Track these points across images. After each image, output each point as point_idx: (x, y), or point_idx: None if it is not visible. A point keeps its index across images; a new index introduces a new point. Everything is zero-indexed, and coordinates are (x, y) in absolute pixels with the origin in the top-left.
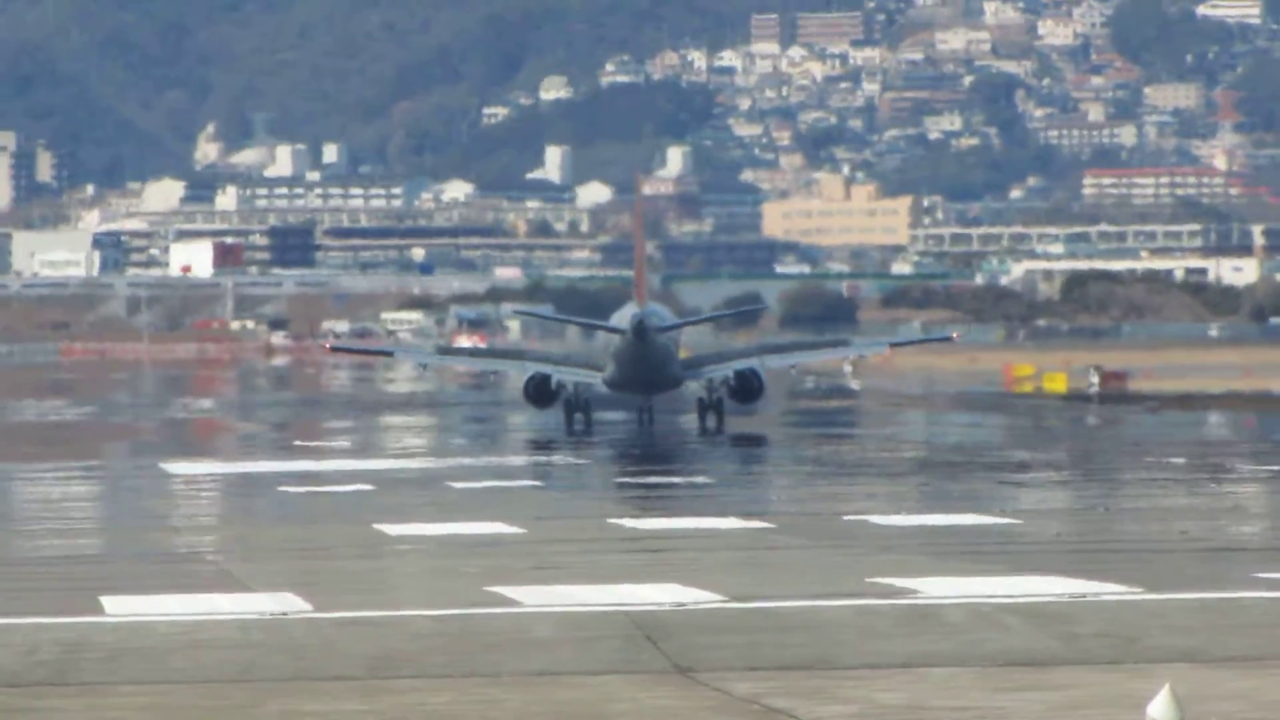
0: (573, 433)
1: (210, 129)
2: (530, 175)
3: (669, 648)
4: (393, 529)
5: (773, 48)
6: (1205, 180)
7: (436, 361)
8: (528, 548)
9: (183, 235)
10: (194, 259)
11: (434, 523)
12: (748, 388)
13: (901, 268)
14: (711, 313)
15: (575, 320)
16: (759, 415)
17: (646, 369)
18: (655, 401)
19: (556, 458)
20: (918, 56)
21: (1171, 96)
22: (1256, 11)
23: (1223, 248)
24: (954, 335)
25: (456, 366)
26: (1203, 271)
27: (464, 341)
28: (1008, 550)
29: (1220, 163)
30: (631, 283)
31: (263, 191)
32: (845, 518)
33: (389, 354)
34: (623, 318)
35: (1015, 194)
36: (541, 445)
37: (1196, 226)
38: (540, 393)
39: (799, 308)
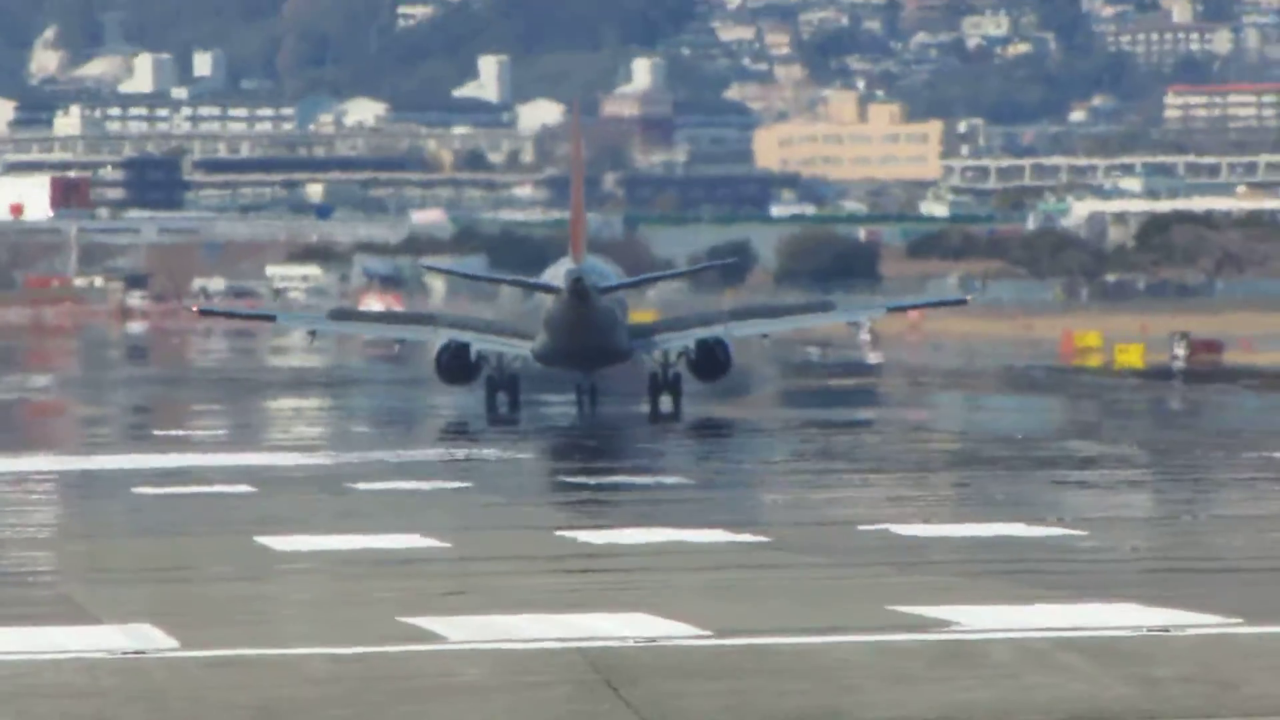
0: (499, 417)
1: (48, 34)
2: (458, 92)
3: (634, 696)
4: (279, 542)
5: None
6: None
7: (329, 328)
8: (452, 567)
9: (13, 168)
10: (27, 197)
11: (331, 535)
12: (711, 361)
13: (933, 208)
14: (680, 268)
15: (497, 278)
16: (750, 396)
17: (586, 337)
18: (598, 378)
19: (485, 450)
20: None
21: None
22: None
23: None
24: (968, 297)
25: (357, 334)
26: None
27: (373, 304)
28: (1068, 570)
29: None
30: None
31: (115, 112)
32: (860, 528)
33: (271, 318)
34: (556, 275)
35: (1077, 116)
36: (464, 434)
37: None
38: (456, 366)
39: (801, 259)
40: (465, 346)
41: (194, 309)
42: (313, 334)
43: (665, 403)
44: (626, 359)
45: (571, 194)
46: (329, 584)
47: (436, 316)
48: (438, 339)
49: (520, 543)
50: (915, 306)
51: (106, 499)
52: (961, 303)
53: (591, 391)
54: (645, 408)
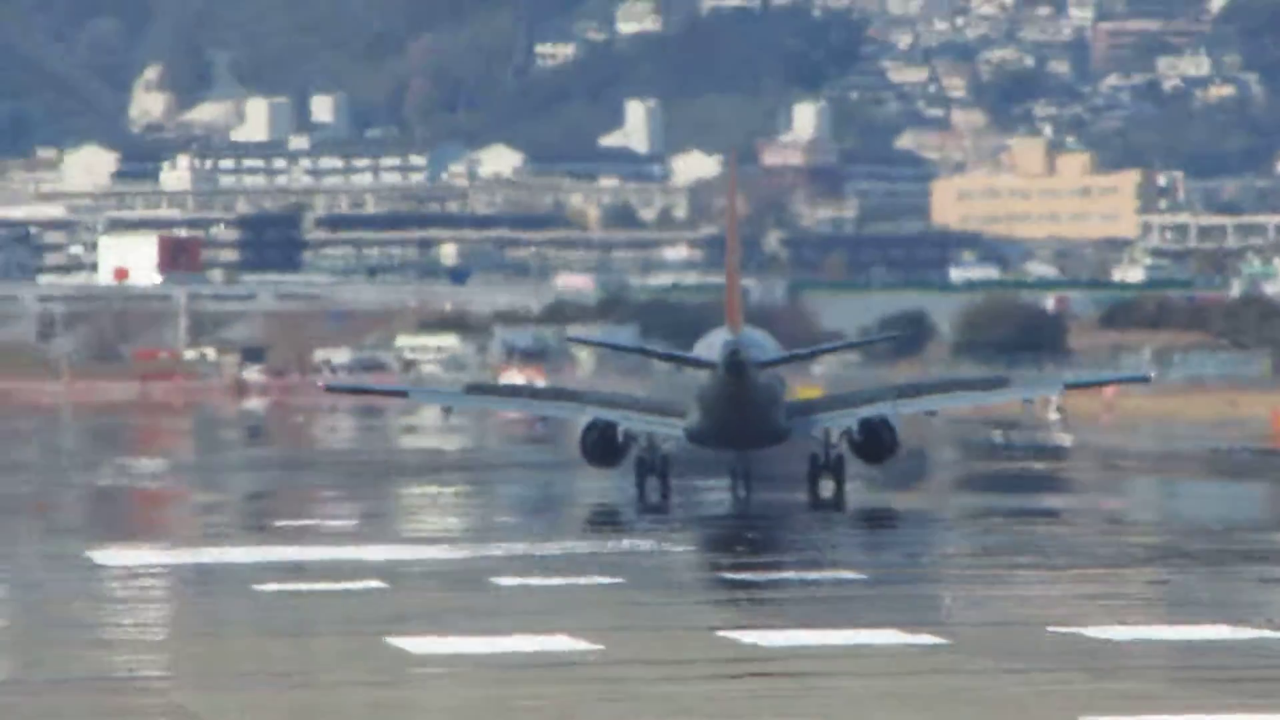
0: (650, 504)
1: (150, 75)
2: (604, 141)
3: None
4: (414, 644)
5: None
6: None
7: (464, 404)
8: (604, 670)
9: (116, 226)
10: (132, 260)
11: (471, 635)
12: (876, 442)
13: (1128, 273)
14: (844, 340)
15: (647, 350)
16: (925, 482)
17: (742, 416)
18: (754, 460)
19: (637, 542)
20: None
21: None
22: None
23: None
24: (1150, 374)
25: (499, 412)
26: None
27: (514, 378)
28: (1278, 677)
29: None
30: (744, 290)
31: (228, 164)
32: (1049, 629)
33: (403, 394)
34: (711, 347)
35: None
36: (614, 522)
37: None
38: (603, 447)
39: (982, 329)
40: (613, 425)
41: (320, 384)
42: (449, 410)
43: (826, 487)
44: (785, 439)
45: (727, 257)
46: (469, 690)
47: (582, 394)
48: (583, 418)
49: (675, 644)
50: (1096, 384)
51: (224, 596)
52: (1145, 380)
53: (746, 475)
54: (804, 494)
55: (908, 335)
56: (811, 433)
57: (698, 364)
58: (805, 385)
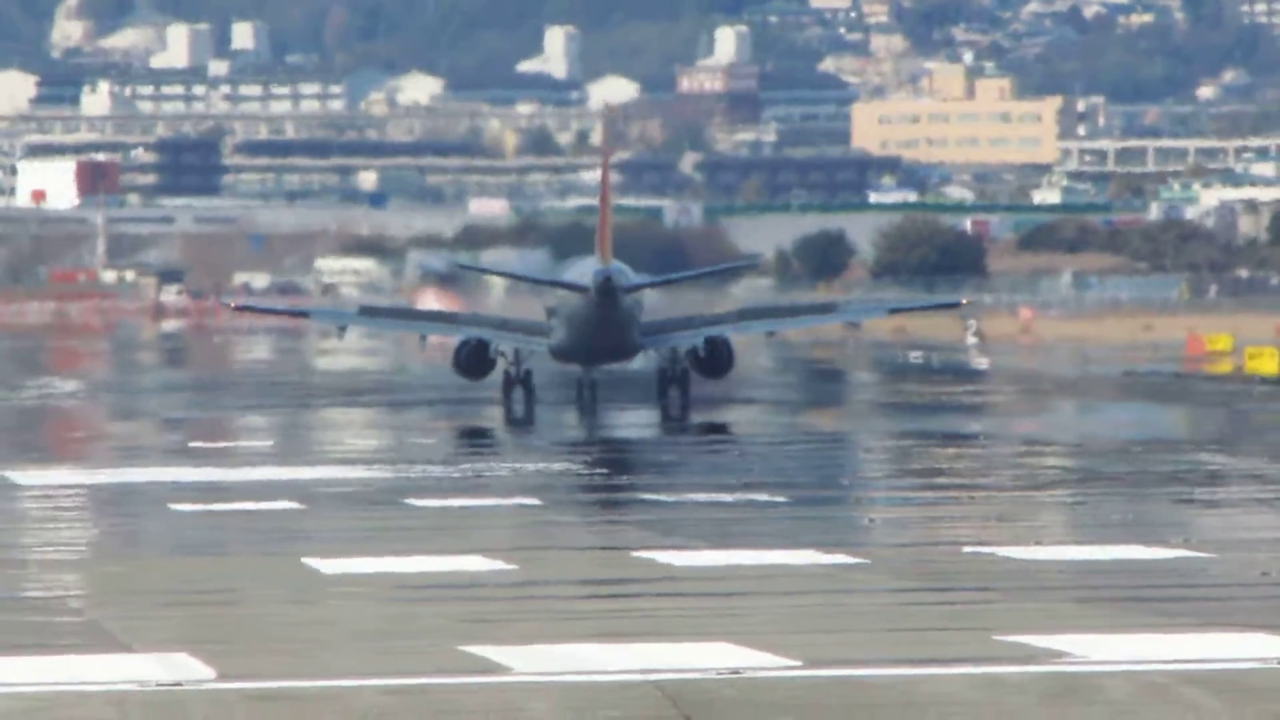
0: (514, 416)
1: (71, 1)
2: (523, 67)
3: None
4: (328, 565)
5: None
6: None
7: (357, 323)
8: (518, 591)
9: (35, 151)
10: (51, 183)
11: (384, 556)
12: (717, 359)
13: (1047, 196)
14: (701, 269)
15: (526, 277)
16: (839, 405)
17: (607, 335)
18: (599, 373)
19: (550, 463)
20: None
21: None
22: None
23: None
24: (963, 300)
25: (382, 331)
26: None
27: (429, 302)
28: (1191, 596)
29: None
30: (659, 213)
31: (147, 90)
32: (964, 550)
33: (304, 315)
34: (583, 274)
35: (1206, 93)
36: (525, 445)
37: None
38: (474, 362)
39: (902, 251)
40: (485, 343)
41: (231, 305)
42: (342, 329)
43: (674, 396)
44: (635, 355)
45: (600, 191)
46: (382, 608)
47: (458, 315)
48: (458, 336)
49: (590, 564)
50: (915, 309)
51: (141, 516)
52: (956, 305)
53: (593, 386)
54: (653, 405)
55: (754, 263)
56: (659, 350)
57: (571, 288)
58: (717, 306)
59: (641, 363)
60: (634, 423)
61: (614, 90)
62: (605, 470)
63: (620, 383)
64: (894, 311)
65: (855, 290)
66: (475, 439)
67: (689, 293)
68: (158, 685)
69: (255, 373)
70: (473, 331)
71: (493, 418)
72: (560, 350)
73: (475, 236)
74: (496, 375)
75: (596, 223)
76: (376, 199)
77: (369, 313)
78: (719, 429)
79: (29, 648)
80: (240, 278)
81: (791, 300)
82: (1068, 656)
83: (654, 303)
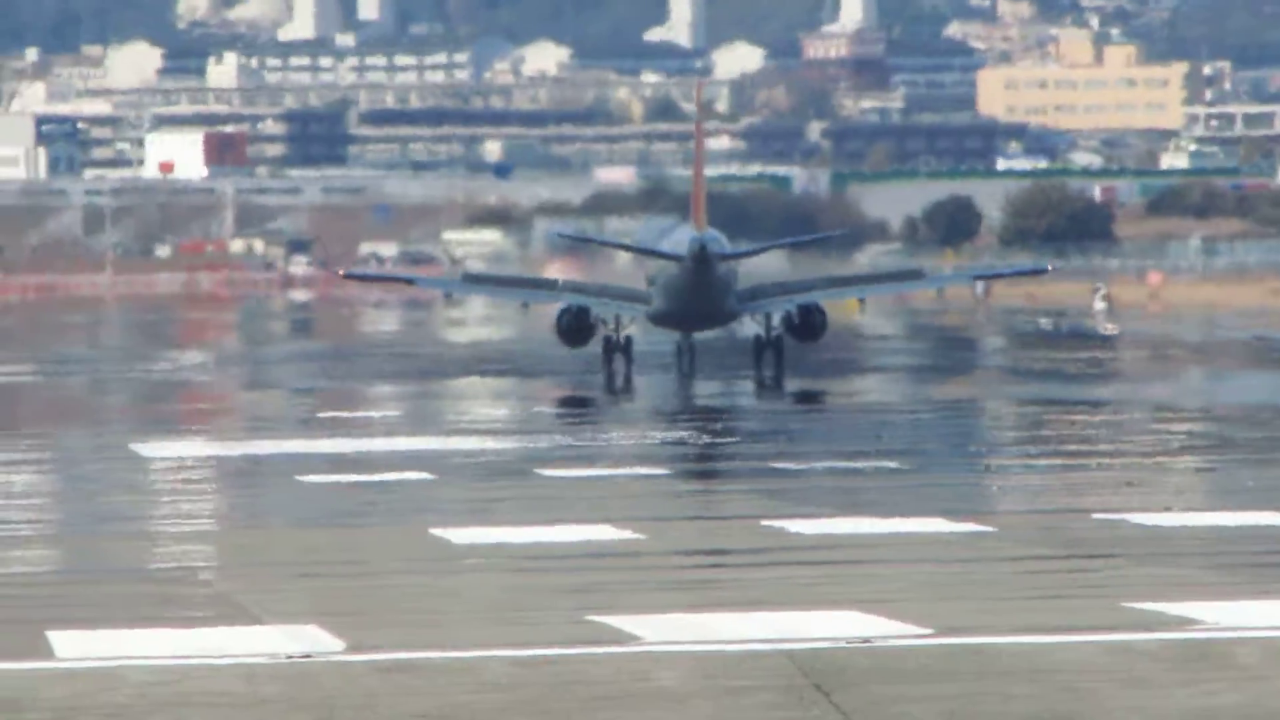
0: (623, 380)
1: None
2: (648, 35)
3: (847, 701)
4: (457, 535)
5: None
6: None
7: (460, 290)
8: (648, 561)
9: (162, 122)
10: (178, 154)
11: (514, 526)
12: (810, 324)
13: (1173, 160)
14: (791, 238)
15: (624, 245)
16: (968, 372)
17: (703, 302)
18: (695, 338)
19: (679, 432)
20: None
21: None
22: None
23: None
24: (1049, 266)
25: (488, 297)
26: None
27: (555, 271)
28: None
29: None
30: (786, 181)
31: (274, 61)
32: (1094, 516)
33: (410, 281)
34: (678, 243)
35: None
36: (654, 414)
37: None
38: (575, 329)
39: (1029, 218)
40: (585, 310)
41: (340, 273)
42: (449, 296)
43: (769, 361)
44: (733, 321)
45: (694, 161)
46: (512, 579)
47: (559, 281)
48: (559, 304)
49: (720, 534)
50: (999, 276)
51: (269, 488)
52: (1044, 271)
53: (691, 351)
54: (750, 370)
55: (844, 235)
56: (754, 316)
57: (667, 257)
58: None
59: (738, 328)
60: (741, 390)
61: (740, 58)
62: (730, 438)
63: (719, 348)
64: (978, 278)
65: (984, 256)
66: (587, 408)
67: (815, 258)
68: (287, 657)
69: (382, 343)
70: (573, 299)
71: (598, 385)
72: (658, 317)
73: (602, 204)
74: (598, 342)
75: (694, 190)
76: (502, 169)
77: (472, 279)
78: (845, 395)
79: (159, 620)
80: (367, 248)
81: (880, 269)
82: (1198, 623)
83: (779, 267)
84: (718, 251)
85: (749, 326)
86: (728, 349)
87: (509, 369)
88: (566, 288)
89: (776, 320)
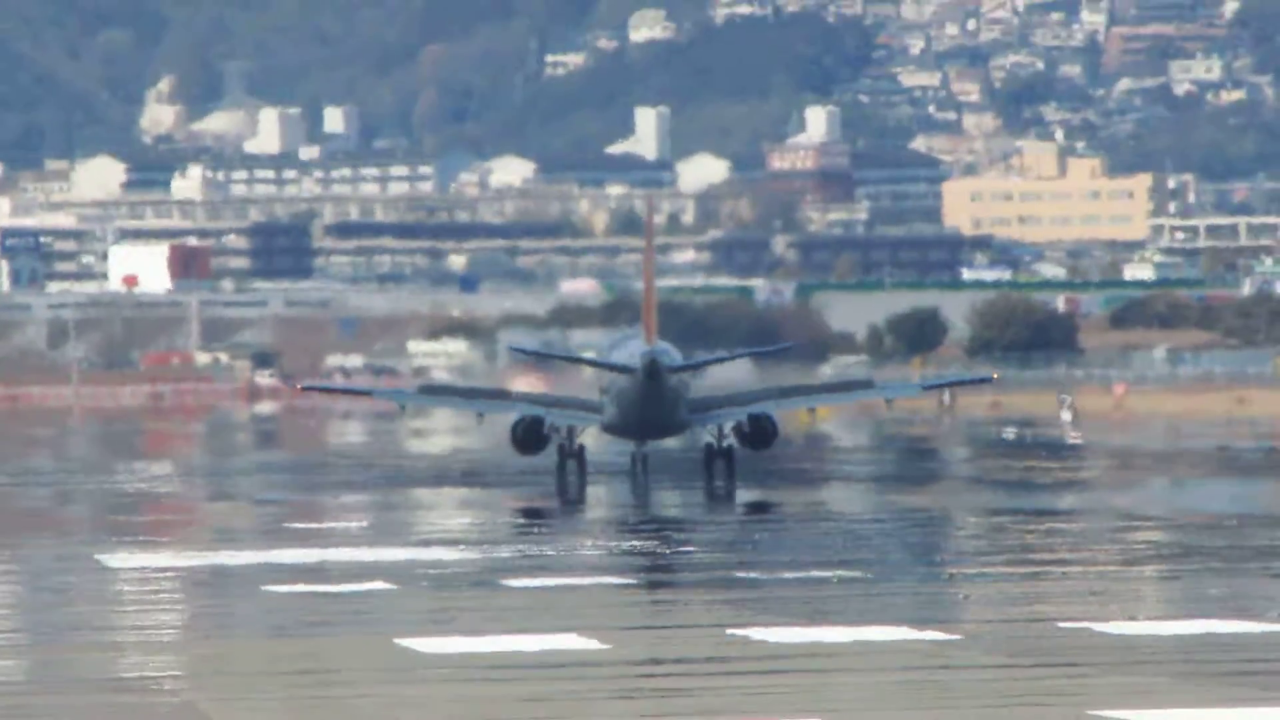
0: (567, 486)
1: (162, 86)
2: (613, 149)
3: None
4: (424, 644)
5: None
6: None
7: (416, 401)
8: (613, 670)
9: (127, 235)
10: (143, 268)
11: (479, 635)
12: (761, 433)
13: (1139, 272)
14: (741, 350)
15: (576, 358)
16: (933, 482)
17: (654, 413)
18: (650, 448)
19: (639, 542)
20: None
21: None
22: None
23: None
24: (994, 375)
25: (445, 409)
26: None
27: (522, 383)
28: None
29: None
30: (751, 292)
31: (240, 175)
32: (1060, 625)
33: (367, 394)
34: (631, 355)
35: None
36: (616, 524)
37: None
38: (530, 438)
39: (995, 328)
40: (539, 419)
41: (299, 387)
42: (403, 407)
43: (720, 469)
44: (684, 431)
45: (643, 276)
46: (477, 688)
47: (513, 393)
48: (514, 414)
49: (685, 642)
50: (948, 385)
51: (235, 598)
52: (988, 380)
53: (644, 460)
54: (700, 480)
55: (788, 348)
56: (706, 426)
57: (619, 369)
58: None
59: (689, 438)
60: (696, 502)
61: (705, 170)
62: (690, 548)
63: (671, 457)
64: (928, 388)
65: (951, 366)
66: (546, 518)
67: (782, 369)
68: None
69: (346, 454)
70: (527, 409)
71: (554, 494)
72: (612, 426)
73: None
74: (553, 451)
75: (643, 305)
76: (467, 281)
77: (428, 391)
78: (813, 505)
79: None
80: (333, 360)
81: (827, 379)
82: None
83: (746, 377)
84: (668, 364)
85: (702, 436)
86: (680, 458)
87: (469, 479)
88: (520, 399)
89: (728, 429)
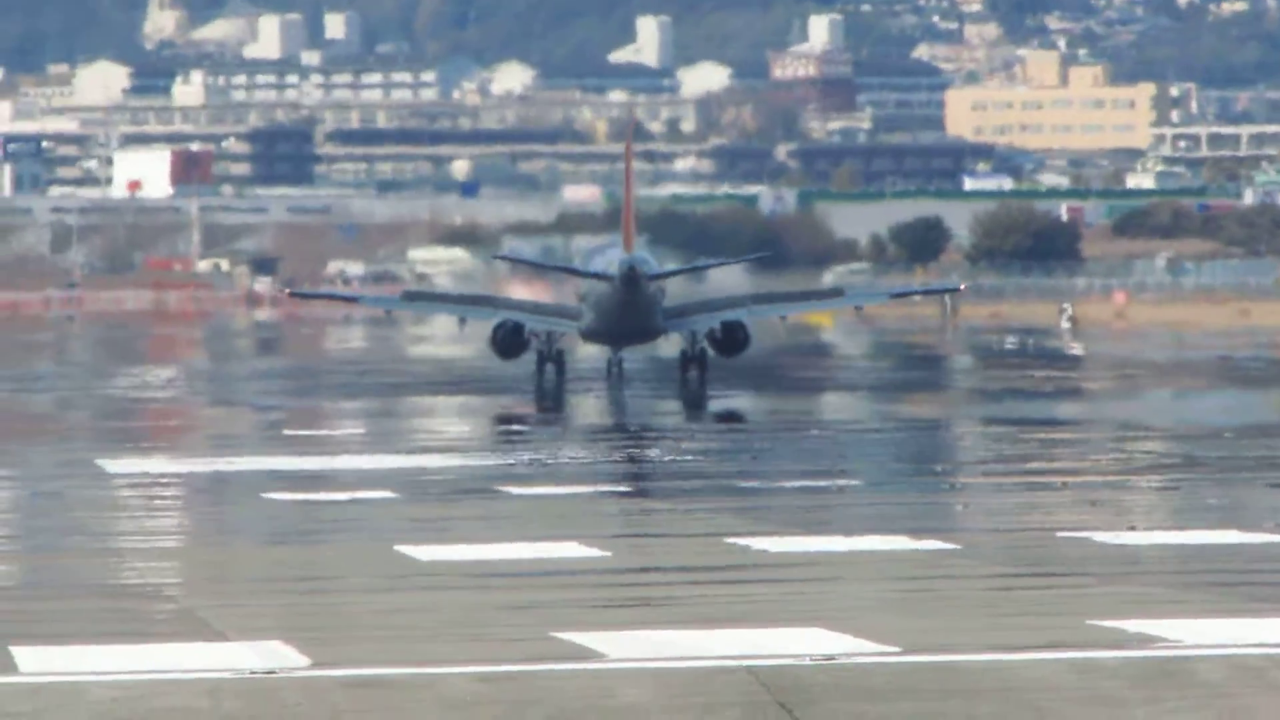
0: (545, 387)
1: None
2: (615, 56)
3: (811, 719)
4: (422, 552)
5: None
6: None
7: (400, 307)
8: (612, 578)
9: (130, 141)
10: (145, 173)
11: (479, 544)
12: (733, 340)
13: (1140, 181)
14: (718, 259)
15: (558, 266)
16: (933, 390)
17: (631, 320)
18: (625, 353)
19: (639, 449)
20: None
21: None
22: None
23: None
24: (961, 285)
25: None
26: None
27: (520, 290)
28: None
29: None
30: (754, 200)
31: (240, 80)
32: (1059, 535)
33: (354, 300)
34: (609, 263)
35: None
36: (614, 432)
37: None
38: (509, 343)
39: (997, 237)
40: (519, 326)
41: (287, 292)
42: (388, 313)
43: (693, 374)
44: (660, 337)
45: (625, 186)
46: (476, 596)
47: (495, 299)
48: (495, 318)
49: (685, 551)
50: (914, 293)
51: (234, 505)
52: (956, 289)
53: (619, 364)
54: (674, 382)
55: (769, 256)
56: (680, 332)
57: (598, 277)
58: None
59: (664, 344)
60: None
61: (707, 78)
62: (690, 456)
63: (647, 361)
64: (895, 296)
65: (953, 274)
66: (529, 425)
67: (786, 275)
68: (251, 673)
69: (347, 361)
70: (507, 315)
71: (534, 399)
72: (589, 333)
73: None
74: (531, 355)
75: (624, 211)
76: (469, 188)
77: (412, 297)
78: (815, 414)
79: (124, 636)
80: (335, 267)
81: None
82: (1162, 641)
83: (747, 282)
84: (645, 272)
85: (674, 342)
86: (654, 363)
87: (459, 386)
88: (501, 304)
89: (701, 336)
